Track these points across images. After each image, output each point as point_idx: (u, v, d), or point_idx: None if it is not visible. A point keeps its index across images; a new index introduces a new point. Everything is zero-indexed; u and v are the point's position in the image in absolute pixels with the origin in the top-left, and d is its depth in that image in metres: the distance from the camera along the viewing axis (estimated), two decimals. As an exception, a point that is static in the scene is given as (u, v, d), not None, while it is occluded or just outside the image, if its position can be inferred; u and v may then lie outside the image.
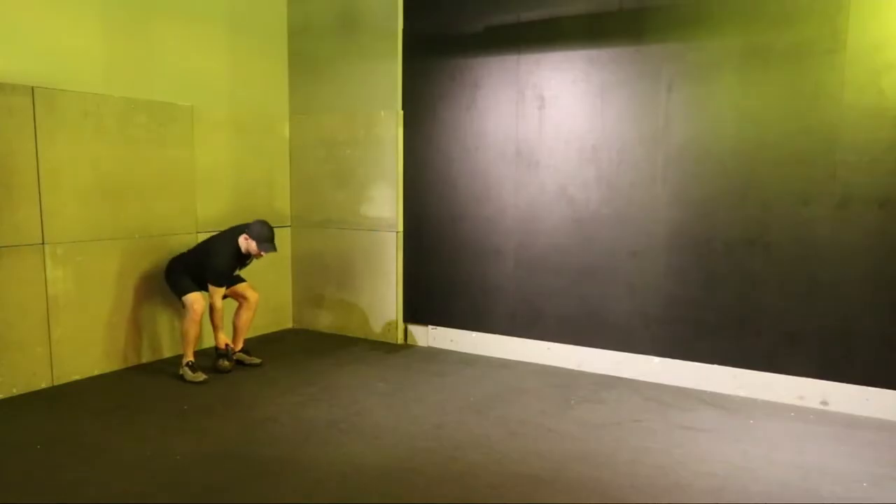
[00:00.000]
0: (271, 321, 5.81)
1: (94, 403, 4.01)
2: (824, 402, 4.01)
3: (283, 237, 5.88)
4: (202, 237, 4.96)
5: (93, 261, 4.44)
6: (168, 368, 4.67)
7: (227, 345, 4.58)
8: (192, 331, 4.45)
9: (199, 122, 5.02)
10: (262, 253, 4.47)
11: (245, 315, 4.78)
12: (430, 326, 5.42)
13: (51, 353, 4.25)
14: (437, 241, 5.29)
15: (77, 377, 4.40)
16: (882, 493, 2.98)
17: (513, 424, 3.73)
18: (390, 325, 5.52)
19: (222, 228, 4.77)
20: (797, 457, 3.33)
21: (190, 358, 4.46)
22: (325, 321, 5.86)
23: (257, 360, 4.79)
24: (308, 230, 5.86)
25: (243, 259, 4.59)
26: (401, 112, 5.32)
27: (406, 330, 5.52)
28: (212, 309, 4.50)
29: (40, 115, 4.09)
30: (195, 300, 4.42)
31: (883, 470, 3.20)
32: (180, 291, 4.48)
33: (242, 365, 4.77)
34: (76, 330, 4.37)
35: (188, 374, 4.41)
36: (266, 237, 4.45)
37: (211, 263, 4.44)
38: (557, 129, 4.70)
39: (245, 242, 4.47)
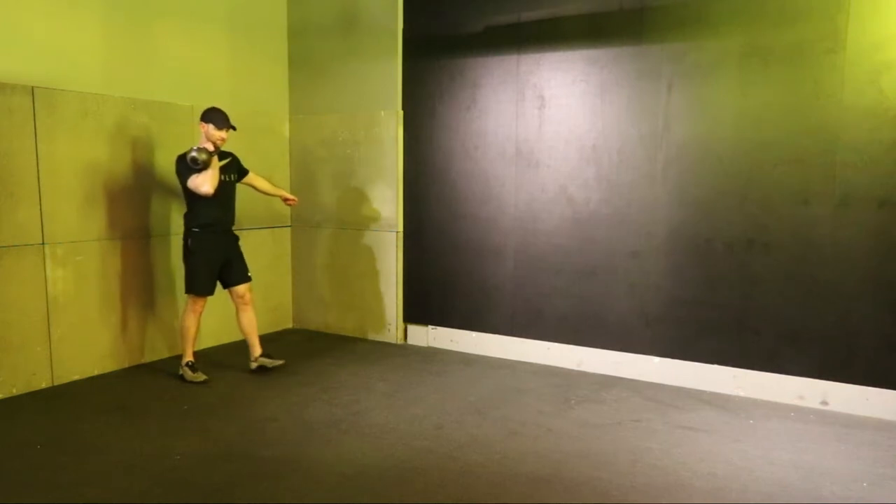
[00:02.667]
0: (271, 321, 5.81)
1: (94, 403, 4.01)
2: (824, 402, 4.01)
3: (283, 237, 5.89)
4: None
5: (93, 261, 4.44)
6: (168, 368, 4.68)
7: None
8: (192, 326, 4.42)
9: (199, 122, 5.02)
10: (224, 131, 4.23)
11: (245, 316, 4.59)
12: (430, 326, 5.42)
13: (51, 353, 4.25)
14: (437, 241, 5.29)
15: (77, 377, 4.40)
16: (882, 492, 2.98)
17: (513, 424, 3.73)
18: (390, 325, 5.52)
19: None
20: (797, 457, 3.33)
21: (189, 358, 4.45)
22: (324, 321, 5.86)
23: (280, 362, 4.64)
24: (308, 230, 5.86)
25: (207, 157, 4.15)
26: (401, 112, 5.31)
27: (406, 330, 5.52)
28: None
29: (40, 115, 4.09)
30: (197, 300, 4.41)
31: (883, 470, 3.20)
32: (188, 284, 4.38)
33: (266, 370, 4.59)
34: (76, 330, 4.37)
35: (188, 374, 4.41)
36: (217, 111, 4.22)
37: (181, 178, 4.21)
38: (557, 129, 4.70)
39: (203, 134, 4.22)
